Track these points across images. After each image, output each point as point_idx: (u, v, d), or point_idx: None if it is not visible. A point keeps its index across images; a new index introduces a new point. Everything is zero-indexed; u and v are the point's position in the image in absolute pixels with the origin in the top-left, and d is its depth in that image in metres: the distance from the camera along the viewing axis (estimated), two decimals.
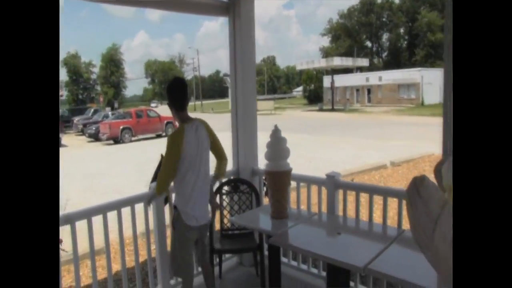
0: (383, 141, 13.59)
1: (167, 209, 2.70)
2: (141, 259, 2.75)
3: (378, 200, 2.65)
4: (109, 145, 17.99)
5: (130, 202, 2.56)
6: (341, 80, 40.97)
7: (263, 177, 3.22)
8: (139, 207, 2.61)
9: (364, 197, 2.74)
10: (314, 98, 44.86)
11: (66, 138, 20.71)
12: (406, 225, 2.54)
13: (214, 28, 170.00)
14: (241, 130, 3.25)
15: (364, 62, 41.06)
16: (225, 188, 3.14)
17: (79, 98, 57.35)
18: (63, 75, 55.31)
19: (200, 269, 2.81)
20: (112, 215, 2.45)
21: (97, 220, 2.37)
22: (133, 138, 19.04)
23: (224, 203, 3.13)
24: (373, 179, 8.07)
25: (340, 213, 2.74)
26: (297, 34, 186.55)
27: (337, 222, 2.61)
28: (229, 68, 3.22)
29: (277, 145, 2.47)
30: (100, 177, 9.70)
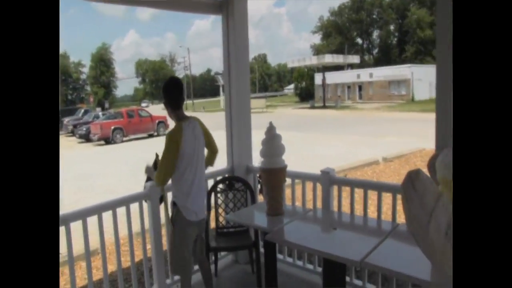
0: (375, 138, 13.71)
1: (162, 208, 2.69)
2: (136, 259, 2.75)
3: (371, 195, 2.68)
4: (100, 146, 17.84)
5: (125, 202, 2.55)
6: (332, 77, 41.18)
7: (258, 175, 3.23)
8: (134, 207, 2.60)
9: (357, 192, 2.77)
10: (306, 95, 45.02)
11: None
12: (400, 219, 2.58)
13: (205, 27, 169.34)
14: (235, 128, 3.25)
15: (355, 59, 41.26)
16: (220, 186, 3.14)
17: (68, 98, 56.70)
18: None
19: (196, 267, 2.82)
20: (106, 216, 2.44)
21: (90, 221, 2.36)
22: (124, 138, 18.91)
23: (219, 201, 3.13)
24: (366, 175, 8.13)
25: (335, 208, 2.76)
26: (288, 31, 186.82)
27: (332, 217, 2.63)
28: (223, 66, 3.22)
29: (272, 142, 2.48)
30: (93, 178, 9.62)
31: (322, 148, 11.98)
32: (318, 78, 41.47)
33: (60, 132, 24.14)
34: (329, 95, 40.78)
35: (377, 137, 13.82)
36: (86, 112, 27.56)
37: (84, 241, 2.33)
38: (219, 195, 3.13)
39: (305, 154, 10.44)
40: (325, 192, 2.73)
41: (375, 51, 64.69)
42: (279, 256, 3.07)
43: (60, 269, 3.70)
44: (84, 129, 20.17)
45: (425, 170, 1.12)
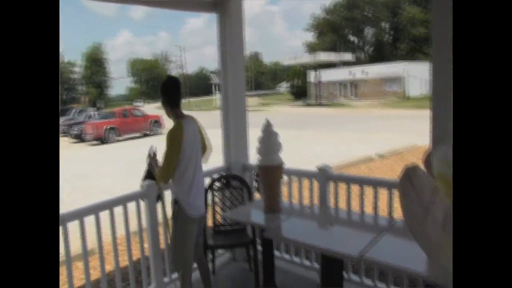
0: (369, 134, 13.78)
1: (159, 207, 2.69)
2: (133, 258, 2.75)
3: (367, 192, 2.71)
4: (94, 146, 17.72)
5: (122, 201, 2.55)
6: (326, 75, 41.24)
7: (254, 173, 3.25)
8: (132, 206, 2.60)
9: (353, 189, 2.79)
10: (300, 93, 45.03)
11: None
12: (396, 214, 2.61)
13: (199, 25, 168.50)
14: (231, 126, 3.26)
15: (348, 56, 41.42)
16: (217, 184, 3.15)
17: (61, 98, 56.13)
18: None
19: (194, 265, 2.82)
20: (103, 215, 2.44)
21: (87, 221, 2.35)
22: (119, 138, 18.79)
23: (216, 199, 3.14)
24: (361, 172, 8.18)
25: (332, 205, 2.78)
26: (281, 29, 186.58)
27: (329, 214, 2.65)
28: (219, 64, 3.22)
29: (269, 139, 2.49)
30: (88, 178, 9.56)
31: (317, 145, 12.02)
32: (312, 76, 41.53)
33: None
34: (323, 93, 40.88)
35: (372, 134, 13.90)
36: (79, 112, 27.35)
37: (81, 241, 2.33)
38: (216, 193, 3.14)
39: (300, 151, 10.47)
40: (321, 189, 2.75)
41: (369, 48, 64.95)
42: (276, 253, 3.09)
43: None
44: (78, 129, 20.01)
45: (420, 166, 1.14)
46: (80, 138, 19.31)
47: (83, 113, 26.59)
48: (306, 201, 3.00)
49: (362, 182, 2.74)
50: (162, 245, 2.88)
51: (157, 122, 20.11)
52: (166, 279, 2.87)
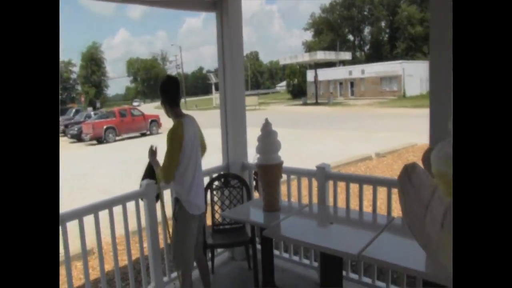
0: (367, 133, 13.80)
1: (158, 207, 2.69)
2: (132, 258, 2.75)
3: (365, 190, 2.71)
4: (92, 146, 17.68)
5: (121, 200, 2.55)
6: (325, 74, 41.25)
7: (253, 172, 3.25)
8: (131, 205, 2.59)
9: (352, 187, 2.79)
10: (298, 92, 45.05)
11: None
12: (395, 212, 2.62)
13: (197, 25, 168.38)
14: (230, 126, 3.26)
15: (346, 55, 41.37)
16: (216, 183, 3.15)
17: (59, 98, 55.96)
18: None
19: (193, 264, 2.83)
20: (102, 215, 2.43)
21: (86, 220, 2.35)
22: (117, 138, 18.76)
23: (215, 198, 3.14)
24: (360, 171, 8.19)
25: (331, 203, 2.79)
26: (279, 29, 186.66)
27: (329, 212, 2.66)
28: (218, 64, 3.22)
29: (268, 138, 2.49)
30: (86, 178, 9.54)
31: (315, 144, 12.03)
32: (310, 75, 41.52)
33: None
34: (321, 92, 40.88)
35: (370, 133, 13.92)
36: (77, 111, 27.29)
37: (80, 241, 2.33)
38: (215, 192, 3.14)
39: (298, 150, 10.48)
40: (320, 187, 2.76)
41: (367, 47, 65.00)
42: (275, 251, 3.09)
43: None
44: (76, 129, 19.96)
45: (419, 164, 1.14)
46: (78, 137, 19.26)
47: (82, 112, 26.55)
48: (305, 200, 3.00)
49: (361, 180, 2.74)
50: (162, 244, 2.88)
51: (155, 122, 20.10)
52: (165, 279, 2.87)
